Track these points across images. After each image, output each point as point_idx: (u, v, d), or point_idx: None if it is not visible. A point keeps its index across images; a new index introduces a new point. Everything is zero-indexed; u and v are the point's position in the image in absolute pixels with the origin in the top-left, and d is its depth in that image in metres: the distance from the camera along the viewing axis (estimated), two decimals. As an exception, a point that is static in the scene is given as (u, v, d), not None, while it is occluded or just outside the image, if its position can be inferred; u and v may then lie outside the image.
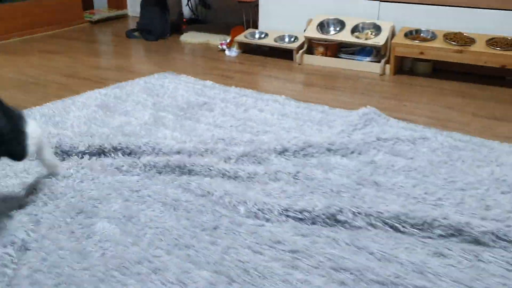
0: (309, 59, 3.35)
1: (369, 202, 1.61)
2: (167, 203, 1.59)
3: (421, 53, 2.93)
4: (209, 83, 2.83)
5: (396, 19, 3.18)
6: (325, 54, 3.33)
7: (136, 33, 4.11)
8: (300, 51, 3.34)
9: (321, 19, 3.37)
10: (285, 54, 3.43)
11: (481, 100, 2.62)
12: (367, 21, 3.24)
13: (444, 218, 1.46)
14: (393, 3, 3.19)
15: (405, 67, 3.20)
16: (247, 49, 3.63)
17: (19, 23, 3.96)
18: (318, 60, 3.33)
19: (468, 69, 3.00)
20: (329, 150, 1.96)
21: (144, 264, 1.31)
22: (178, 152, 1.93)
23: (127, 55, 3.62)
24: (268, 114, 2.37)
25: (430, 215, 1.48)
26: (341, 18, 3.32)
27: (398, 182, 1.74)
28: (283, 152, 1.96)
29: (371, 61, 3.17)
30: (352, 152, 1.95)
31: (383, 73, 3.08)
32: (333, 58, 3.30)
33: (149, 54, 3.64)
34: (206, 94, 2.65)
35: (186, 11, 4.54)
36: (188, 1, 4.47)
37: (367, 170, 1.82)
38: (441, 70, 3.11)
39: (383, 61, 3.09)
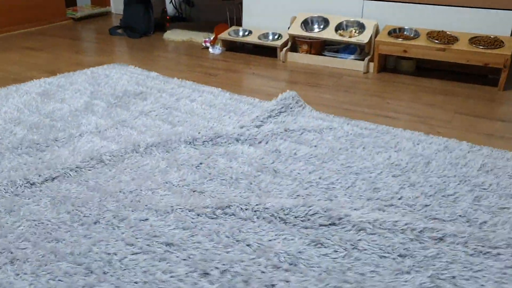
0: (293, 57, 3.05)
1: (263, 189, 1.44)
2: (56, 197, 1.39)
3: (405, 51, 2.66)
4: (153, 74, 2.60)
5: (380, 18, 2.91)
6: (309, 52, 3.03)
7: (119, 31, 3.74)
8: (284, 49, 3.04)
9: (305, 17, 3.05)
10: (269, 52, 3.14)
11: (464, 97, 2.39)
12: (351, 19, 2.95)
13: (326, 210, 1.29)
14: (376, 1, 2.91)
15: (389, 65, 2.93)
16: (231, 46, 3.30)
17: (0, 20, 3.57)
18: (302, 58, 3.03)
19: (451, 67, 2.76)
20: (237, 139, 1.78)
21: (3, 255, 1.11)
22: (91, 142, 1.73)
23: (110, 52, 3.27)
24: (197, 104, 2.17)
25: (314, 206, 1.31)
26: (325, 16, 3.02)
27: (296, 168, 1.55)
28: (192, 141, 1.77)
29: (355, 59, 2.89)
30: (260, 142, 1.77)
31: (366, 71, 2.81)
32: (317, 56, 2.99)
33: (132, 51, 3.29)
34: (146, 84, 2.42)
35: (169, 8, 4.16)
36: (171, -1, 4.13)
37: (269, 158, 1.63)
38: (425, 68, 2.85)
39: (367, 59, 2.81)
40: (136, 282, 1.03)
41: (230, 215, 1.30)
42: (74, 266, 1.09)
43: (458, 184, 1.46)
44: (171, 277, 1.05)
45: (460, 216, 1.30)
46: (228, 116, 2.03)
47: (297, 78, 2.72)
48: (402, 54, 2.69)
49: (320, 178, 1.48)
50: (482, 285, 1.07)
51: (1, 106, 2.07)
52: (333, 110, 2.15)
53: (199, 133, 1.78)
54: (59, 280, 1.03)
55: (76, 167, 1.54)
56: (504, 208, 1.36)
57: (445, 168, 1.55)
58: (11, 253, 1.13)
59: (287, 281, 1.05)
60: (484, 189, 1.44)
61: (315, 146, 1.71)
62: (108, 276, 1.05)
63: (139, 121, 1.95)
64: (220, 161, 1.62)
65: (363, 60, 2.84)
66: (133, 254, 1.13)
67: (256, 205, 1.32)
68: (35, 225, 1.24)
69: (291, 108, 2.04)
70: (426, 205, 1.35)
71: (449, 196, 1.39)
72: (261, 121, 1.92)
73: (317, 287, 1.04)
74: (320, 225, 1.26)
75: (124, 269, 1.07)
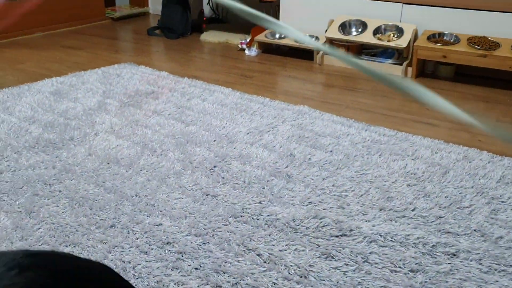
0: (329, 60, 2.97)
1: (275, 194, 1.44)
2: (74, 199, 1.42)
3: (444, 56, 2.57)
4: (164, 73, 2.62)
5: (419, 22, 2.80)
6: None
7: (157, 31, 3.73)
8: (321, 52, 2.98)
9: (343, 20, 2.97)
10: (306, 55, 3.06)
11: (506, 105, 2.29)
12: (389, 23, 2.86)
13: (337, 222, 1.29)
14: (416, 6, 2.81)
15: (427, 70, 2.84)
16: (267, 49, 3.26)
17: (42, 19, 3.61)
18: (339, 61, 2.93)
19: (492, 74, 2.64)
20: (252, 141, 1.78)
21: (23, 263, 1.16)
22: (107, 141, 1.76)
23: (147, 52, 3.27)
24: (209, 103, 2.18)
25: (325, 218, 1.31)
26: (364, 19, 2.93)
27: (310, 174, 1.55)
28: (206, 142, 1.78)
29: (393, 64, 2.83)
30: (274, 145, 1.77)
31: (405, 76, 2.74)
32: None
33: (169, 52, 3.29)
34: (157, 84, 2.45)
35: (207, 10, 4.11)
36: (209, 0, 4.06)
37: (283, 162, 1.63)
38: (464, 74, 2.74)
39: (405, 63, 2.73)
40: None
41: (242, 223, 1.31)
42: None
43: (475, 196, 1.43)
44: None
45: (475, 230, 1.28)
46: (240, 115, 2.03)
47: (333, 81, 2.67)
48: (442, 60, 2.61)
49: (333, 185, 1.47)
50: (495, 303, 1.06)
51: (15, 105, 2.11)
52: (371, 116, 2.11)
53: (214, 141, 1.78)
54: None
55: (94, 168, 1.57)
56: (522, 223, 1.33)
57: (462, 178, 1.53)
58: (30, 256, 1.17)
59: (297, 295, 1.06)
60: (502, 202, 1.42)
61: (331, 151, 1.70)
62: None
63: (152, 120, 1.97)
64: (234, 164, 1.62)
65: (401, 64, 2.76)
66: (146, 261, 1.15)
67: (268, 215, 1.33)
68: (54, 228, 1.27)
69: (308, 114, 2.03)
70: (440, 217, 1.33)
71: (464, 209, 1.37)
72: (277, 123, 1.92)
73: (326, 302, 1.05)
74: (331, 235, 1.26)
75: (138, 278, 1.10)
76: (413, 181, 1.51)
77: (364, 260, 1.18)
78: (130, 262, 1.14)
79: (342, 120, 1.98)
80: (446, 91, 2.51)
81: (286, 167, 1.61)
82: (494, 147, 1.78)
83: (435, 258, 1.19)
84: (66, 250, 1.18)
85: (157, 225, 1.29)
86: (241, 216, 1.34)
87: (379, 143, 1.77)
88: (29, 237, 1.23)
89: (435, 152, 1.69)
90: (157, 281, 1.08)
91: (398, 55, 2.88)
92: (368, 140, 1.78)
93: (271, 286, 1.08)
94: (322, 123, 1.95)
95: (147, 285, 1.07)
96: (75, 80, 2.46)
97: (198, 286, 1.07)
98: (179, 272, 1.11)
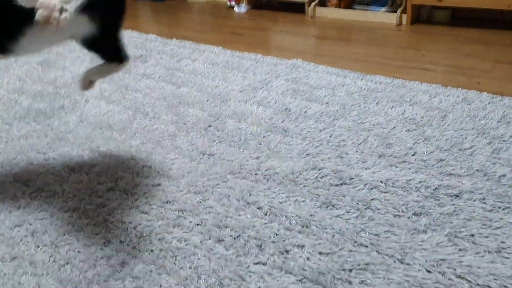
0: (322, 12, 2.89)
1: (272, 149, 1.42)
2: (69, 166, 1.39)
3: (439, 0, 2.50)
4: (152, 36, 2.54)
5: None
6: (338, 6, 2.86)
7: None
8: (312, 4, 2.88)
9: None
10: (297, 8, 2.97)
11: (504, 46, 2.22)
12: None
13: (336, 172, 1.27)
14: None
15: (423, 16, 2.76)
16: (257, 4, 3.15)
17: None
18: (331, 12, 2.87)
19: (489, 16, 2.58)
20: (246, 98, 1.74)
21: (22, 227, 1.13)
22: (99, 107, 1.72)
23: (135, 16, 3.17)
24: (199, 63, 2.12)
25: (324, 168, 1.29)
26: None
27: (307, 127, 1.52)
28: (199, 102, 1.74)
29: (387, 11, 2.74)
30: (269, 100, 1.73)
31: (399, 23, 2.66)
32: (347, 10, 2.84)
33: (157, 15, 3.19)
34: (145, 47, 2.37)
35: None
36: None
37: (279, 117, 1.60)
38: (460, 18, 2.68)
39: (399, 10, 2.65)
40: (152, 250, 1.05)
41: (241, 179, 1.30)
42: (92, 236, 1.11)
43: (476, 137, 1.41)
44: (186, 245, 1.06)
45: (477, 170, 1.27)
46: (232, 74, 1.98)
47: (327, 33, 2.58)
48: (437, 4, 2.53)
49: (331, 136, 1.45)
50: (502, 241, 1.05)
51: (2, 77, 2.05)
52: (366, 65, 2.06)
53: (207, 101, 1.74)
54: (78, 251, 1.06)
55: (86, 135, 1.54)
56: (524, 160, 1.31)
57: (462, 121, 1.50)
58: (31, 225, 1.15)
59: (301, 246, 1.05)
60: (503, 141, 1.40)
61: (327, 103, 1.66)
62: (125, 245, 1.07)
63: (142, 84, 1.92)
64: (228, 122, 1.59)
65: (395, 12, 2.68)
66: (147, 221, 1.14)
67: (266, 170, 1.31)
68: (51, 195, 1.25)
69: (302, 67, 1.97)
70: (441, 160, 1.31)
71: (465, 150, 1.35)
72: (271, 79, 1.87)
73: (331, 251, 1.04)
74: (331, 185, 1.24)
75: (140, 237, 1.08)
76: (412, 126, 1.48)
77: (366, 207, 1.17)
78: (131, 223, 1.13)
79: (337, 71, 1.93)
80: (443, 35, 2.44)
81: (282, 121, 1.57)
82: (494, 88, 1.74)
83: (438, 200, 1.18)
84: (66, 215, 1.17)
85: (155, 185, 1.28)
86: (239, 172, 1.32)
87: (376, 91, 1.73)
88: (27, 207, 1.21)
89: (433, 96, 1.66)
90: (159, 239, 1.07)
91: (391, 3, 2.79)
92: (364, 89, 1.74)
93: (273, 237, 1.07)
94: (316, 76, 1.90)
95: (150, 243, 1.06)
96: (61, 49, 2.39)
97: (200, 241, 1.06)
98: (180, 229, 1.10)
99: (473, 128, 1.45)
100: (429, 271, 0.97)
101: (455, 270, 0.97)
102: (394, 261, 1.00)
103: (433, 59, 2.10)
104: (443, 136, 1.42)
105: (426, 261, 0.99)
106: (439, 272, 0.97)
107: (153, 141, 1.50)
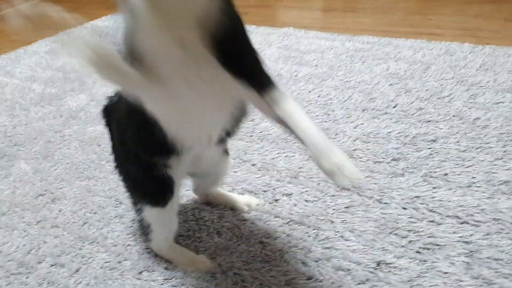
0: None
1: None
2: (83, 140, 1.49)
3: None
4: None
5: None
6: None
7: None
8: None
9: None
10: None
11: None
12: None
13: (324, 129, 1.33)
14: None
15: None
16: None
17: None
18: None
19: None
20: (242, 67, 1.79)
21: (45, 196, 1.24)
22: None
23: None
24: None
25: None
26: None
27: (297, 89, 1.57)
28: (200, 75, 1.80)
29: None
30: (263, 67, 1.78)
31: None
32: None
33: None
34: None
35: None
36: None
37: (272, 83, 1.66)
38: None
39: None
40: (158, 207, 1.14)
41: (237, 140, 1.37)
42: (106, 199, 1.21)
43: (455, 85, 1.44)
44: (187, 202, 1.15)
45: (453, 116, 1.31)
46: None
47: (332, 5, 2.52)
48: None
49: (319, 96, 1.50)
50: (473, 177, 1.11)
51: (15, 68, 2.13)
52: (372, 34, 2.00)
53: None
54: (94, 213, 1.16)
55: (97, 112, 1.62)
56: (499, 102, 1.34)
57: (443, 71, 1.53)
58: (52, 193, 1.25)
59: (289, 194, 1.13)
60: (481, 86, 1.43)
61: (316, 65, 1.71)
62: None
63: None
64: (226, 91, 1.65)
65: None
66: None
67: (260, 131, 1.38)
68: (69, 167, 1.35)
69: (293, 35, 2.00)
70: (421, 109, 1.35)
71: (444, 98, 1.39)
72: (264, 48, 1.91)
73: (317, 197, 1.11)
74: (320, 140, 1.30)
75: (147, 197, 1.18)
76: (395, 80, 1.52)
77: (349, 156, 1.23)
78: (138, 186, 1.22)
79: (326, 36, 1.96)
80: (451, -4, 2.35)
81: (275, 86, 1.63)
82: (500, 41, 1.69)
83: (416, 146, 1.23)
84: (82, 184, 1.27)
85: (159, 152, 1.36)
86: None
87: (362, 51, 1.76)
88: (48, 177, 1.31)
89: (417, 51, 1.68)
90: (163, 198, 1.17)
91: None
92: (352, 49, 1.77)
93: (265, 187, 1.15)
94: (307, 41, 1.93)
95: (155, 202, 1.16)
96: (66, 37, 2.46)
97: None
98: (184, 187, 1.19)
99: (452, 77, 1.48)
100: (404, 208, 1.04)
101: (428, 205, 1.03)
102: (373, 202, 1.07)
103: (441, 23, 2.05)
104: (424, 87, 1.46)
105: (402, 199, 1.06)
106: (413, 208, 1.03)
107: (157, 114, 1.58)
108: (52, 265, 1.02)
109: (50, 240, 1.08)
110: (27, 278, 0.99)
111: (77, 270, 1.00)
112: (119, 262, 1.00)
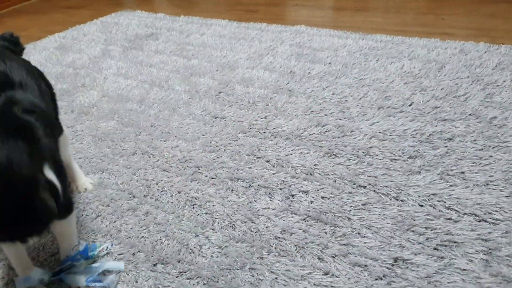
0: None
1: (279, 108, 1.49)
2: (96, 135, 1.50)
3: None
4: (160, 15, 2.61)
5: None
6: None
7: None
8: None
9: None
10: None
11: None
12: None
13: (338, 127, 1.34)
14: None
15: None
16: None
17: None
18: None
19: None
20: (253, 65, 1.80)
21: (60, 193, 1.26)
22: (117, 83, 1.81)
23: (151, 1, 3.18)
24: (207, 37, 2.18)
25: (327, 125, 1.36)
26: None
27: (310, 86, 1.58)
28: (209, 72, 1.81)
29: None
30: (275, 65, 1.79)
31: None
32: None
33: None
34: (154, 26, 2.44)
35: None
36: None
37: (284, 80, 1.66)
38: None
39: None
40: (172, 202, 1.15)
41: (250, 137, 1.38)
42: (119, 192, 1.22)
43: (471, 84, 1.45)
44: (202, 195, 1.16)
45: (470, 114, 1.31)
46: (239, 43, 2.04)
47: (343, 4, 2.53)
48: None
49: (333, 93, 1.51)
50: (490, 175, 1.11)
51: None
52: (384, 33, 2.00)
53: (217, 70, 1.81)
54: (107, 205, 1.17)
55: (109, 108, 1.64)
56: (516, 103, 1.35)
57: (458, 70, 1.53)
58: (65, 186, 1.27)
59: (306, 191, 1.13)
60: (497, 86, 1.43)
61: (329, 63, 1.71)
62: (148, 198, 1.17)
63: (155, 59, 2.00)
64: (237, 88, 1.66)
65: None
66: (168, 177, 1.24)
67: (273, 128, 1.39)
68: (82, 161, 1.37)
69: (306, 32, 2.01)
70: (436, 107, 1.36)
71: (460, 97, 1.39)
72: (276, 45, 1.92)
73: (333, 194, 1.12)
74: (334, 137, 1.31)
75: (162, 191, 1.19)
76: (410, 79, 1.52)
77: (365, 154, 1.23)
78: (153, 180, 1.23)
79: (339, 34, 1.97)
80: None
81: (287, 83, 1.64)
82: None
83: (432, 144, 1.24)
84: (96, 176, 1.28)
85: (174, 147, 1.37)
86: (248, 131, 1.40)
87: (376, 49, 1.76)
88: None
89: (431, 50, 1.69)
90: (178, 192, 1.18)
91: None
92: (365, 48, 1.78)
93: (281, 184, 1.16)
94: (320, 39, 1.94)
95: (170, 196, 1.17)
96: (76, 33, 2.48)
97: (215, 192, 1.16)
98: (197, 183, 1.20)
99: (468, 77, 1.49)
100: (421, 205, 1.05)
101: (445, 202, 1.04)
102: (390, 199, 1.08)
103: (454, 23, 2.03)
104: (439, 86, 1.46)
105: (419, 196, 1.07)
106: (430, 205, 1.04)
107: (169, 109, 1.59)
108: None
109: (65, 232, 1.10)
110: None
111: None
112: (133, 254, 1.01)
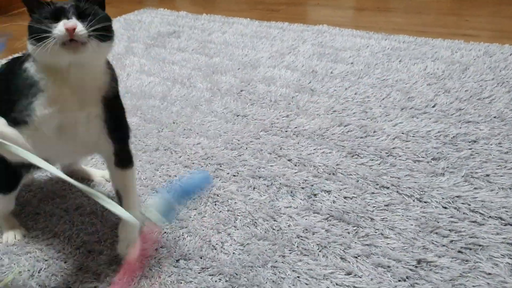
0: None
1: (301, 107, 1.49)
2: (118, 129, 1.53)
3: None
4: (183, 13, 2.63)
5: None
6: None
7: None
8: None
9: None
10: None
11: None
12: None
13: (361, 127, 1.33)
14: None
15: None
16: None
17: None
18: None
19: None
20: (274, 64, 1.81)
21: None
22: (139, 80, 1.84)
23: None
24: (229, 35, 2.20)
25: (350, 125, 1.35)
26: None
27: (333, 86, 1.58)
28: (231, 70, 1.82)
29: None
30: (296, 64, 1.79)
31: None
32: None
33: None
34: (177, 24, 2.47)
35: None
36: None
37: (306, 79, 1.66)
38: None
39: None
40: (194, 198, 1.16)
41: (272, 135, 1.38)
42: (142, 187, 1.24)
43: (495, 86, 1.43)
44: (224, 192, 1.17)
45: (495, 117, 1.29)
46: (260, 42, 2.05)
47: (364, 4, 2.51)
48: None
49: (355, 93, 1.50)
50: (516, 180, 1.09)
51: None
52: (406, 34, 1.97)
53: (238, 68, 1.82)
54: (131, 200, 1.19)
55: (132, 104, 1.67)
56: (543, 106, 1.33)
57: (483, 72, 1.51)
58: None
59: (328, 191, 1.14)
60: (523, 89, 1.41)
61: (352, 63, 1.71)
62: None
63: (177, 57, 2.02)
64: (259, 86, 1.67)
65: None
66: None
67: (295, 127, 1.39)
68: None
69: (328, 32, 2.01)
70: (460, 109, 1.35)
71: (484, 99, 1.38)
72: (298, 45, 1.93)
73: (356, 194, 1.12)
74: (356, 137, 1.31)
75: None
76: (433, 80, 1.51)
77: (388, 154, 1.23)
78: (175, 176, 1.25)
79: (361, 34, 1.96)
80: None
81: (309, 82, 1.64)
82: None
83: (456, 146, 1.23)
84: (119, 172, 1.31)
85: (195, 144, 1.39)
86: (270, 130, 1.41)
87: (399, 50, 1.75)
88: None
89: (455, 51, 1.67)
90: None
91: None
92: (388, 48, 1.77)
93: (303, 183, 1.16)
94: (342, 39, 1.94)
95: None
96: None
97: (237, 189, 1.17)
98: (219, 180, 1.21)
99: (493, 79, 1.47)
100: (445, 207, 1.04)
101: (470, 205, 1.03)
102: (413, 200, 1.07)
103: (477, 24, 2.00)
104: (463, 87, 1.45)
105: (443, 198, 1.06)
106: (455, 208, 1.03)
107: (191, 107, 1.61)
108: (89, 251, 1.06)
109: (87, 227, 1.12)
110: (65, 262, 1.03)
111: (115, 257, 1.03)
112: (156, 249, 1.03)
